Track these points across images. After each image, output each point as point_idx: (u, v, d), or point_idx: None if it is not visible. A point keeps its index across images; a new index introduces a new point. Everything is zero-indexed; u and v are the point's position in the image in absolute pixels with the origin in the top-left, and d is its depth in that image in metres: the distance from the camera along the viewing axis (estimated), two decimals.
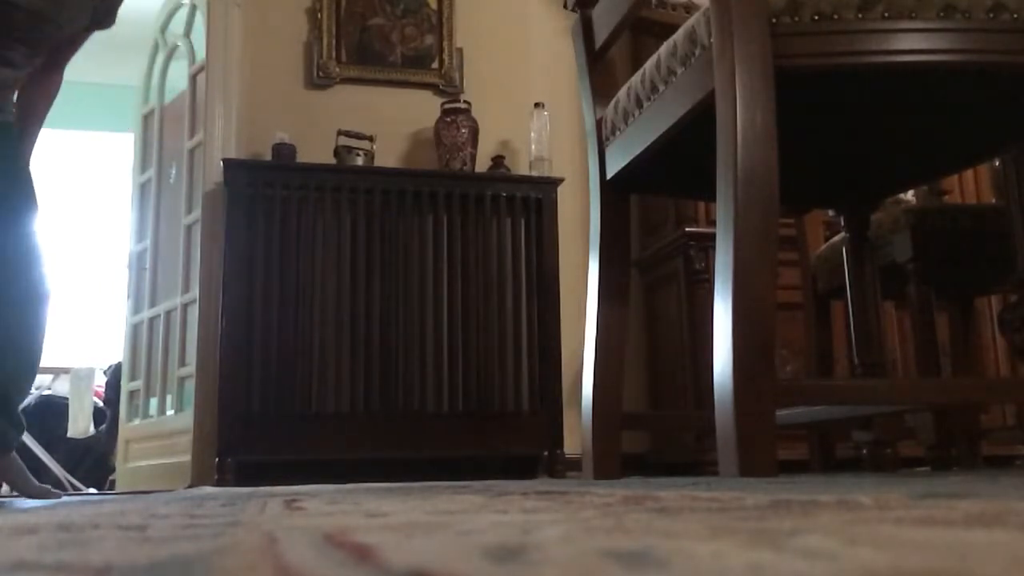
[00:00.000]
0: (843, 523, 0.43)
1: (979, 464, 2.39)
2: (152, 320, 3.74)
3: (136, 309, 3.87)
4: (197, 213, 3.49)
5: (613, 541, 0.37)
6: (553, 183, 3.47)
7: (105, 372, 4.58)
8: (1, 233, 2.08)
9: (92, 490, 3.82)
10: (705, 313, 3.12)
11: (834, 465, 2.43)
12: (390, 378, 3.17)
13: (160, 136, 3.93)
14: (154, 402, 3.66)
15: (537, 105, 3.66)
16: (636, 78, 1.67)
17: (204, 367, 3.27)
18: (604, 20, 1.83)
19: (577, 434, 2.80)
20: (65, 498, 2.07)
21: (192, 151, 3.63)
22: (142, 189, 4.00)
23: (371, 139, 3.46)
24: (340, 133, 3.43)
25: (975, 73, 1.41)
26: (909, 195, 2.54)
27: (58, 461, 3.92)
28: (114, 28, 2.27)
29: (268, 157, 3.39)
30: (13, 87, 2.16)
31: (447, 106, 3.57)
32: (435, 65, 3.79)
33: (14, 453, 2.09)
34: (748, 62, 1.30)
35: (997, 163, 2.23)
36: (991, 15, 1.30)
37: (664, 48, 1.56)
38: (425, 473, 2.95)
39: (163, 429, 3.56)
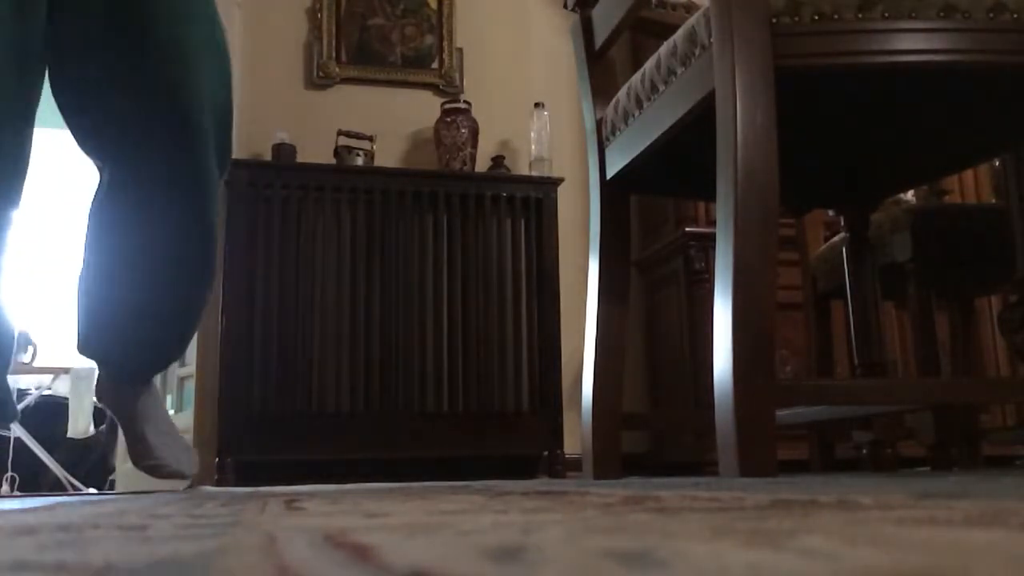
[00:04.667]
0: (843, 523, 0.43)
1: (979, 464, 2.38)
2: None
3: None
4: None
5: (613, 541, 0.37)
6: (553, 183, 3.47)
7: None
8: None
9: (92, 490, 3.82)
10: (705, 313, 3.12)
11: (834, 465, 2.43)
12: (390, 378, 3.17)
13: None
14: None
15: (537, 105, 3.67)
16: (636, 78, 1.67)
17: (204, 367, 3.27)
18: (604, 20, 1.83)
19: (577, 434, 2.79)
20: (65, 498, 2.06)
21: None
22: None
23: (371, 139, 3.46)
24: (340, 133, 3.43)
25: (975, 73, 1.41)
26: (909, 195, 2.54)
27: (58, 461, 3.93)
28: None
29: (268, 157, 3.39)
30: None
31: (447, 106, 3.57)
32: (435, 65, 3.79)
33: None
34: (748, 62, 1.30)
35: (997, 163, 2.23)
36: (991, 15, 1.30)
37: (664, 48, 1.56)
38: (425, 473, 2.95)
39: None
